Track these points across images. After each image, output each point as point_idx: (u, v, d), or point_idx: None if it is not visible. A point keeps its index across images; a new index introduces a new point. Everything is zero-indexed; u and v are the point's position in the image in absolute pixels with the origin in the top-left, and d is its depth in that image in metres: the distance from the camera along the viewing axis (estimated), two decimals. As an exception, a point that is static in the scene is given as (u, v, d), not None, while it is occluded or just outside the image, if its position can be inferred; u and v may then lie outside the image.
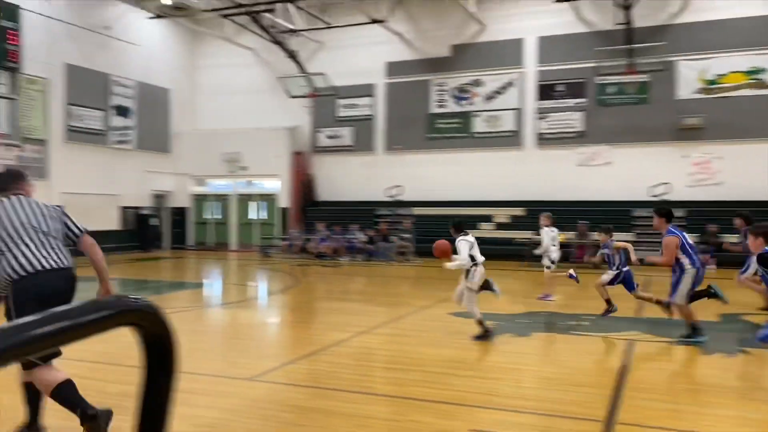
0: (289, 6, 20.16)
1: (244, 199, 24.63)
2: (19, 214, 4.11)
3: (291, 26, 21.31)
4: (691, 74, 19.08)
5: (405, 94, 22.38)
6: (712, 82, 18.95)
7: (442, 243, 7.78)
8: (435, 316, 9.30)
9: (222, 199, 24.97)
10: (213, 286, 15.06)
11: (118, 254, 20.72)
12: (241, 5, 19.37)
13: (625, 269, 8.39)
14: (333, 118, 23.39)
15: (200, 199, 25.22)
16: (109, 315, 0.85)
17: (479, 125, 21.53)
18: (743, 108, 18.52)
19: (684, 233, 7.58)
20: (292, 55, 21.15)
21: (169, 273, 18.03)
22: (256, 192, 24.52)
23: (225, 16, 20.78)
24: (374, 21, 20.63)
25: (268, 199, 24.24)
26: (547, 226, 11.10)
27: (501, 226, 20.11)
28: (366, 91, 22.92)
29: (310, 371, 6.31)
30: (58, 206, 4.40)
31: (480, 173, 21.11)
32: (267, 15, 19.85)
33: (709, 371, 6.50)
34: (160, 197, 24.11)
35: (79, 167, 20.51)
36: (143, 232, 22.85)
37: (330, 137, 23.62)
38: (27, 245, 4.02)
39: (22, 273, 3.95)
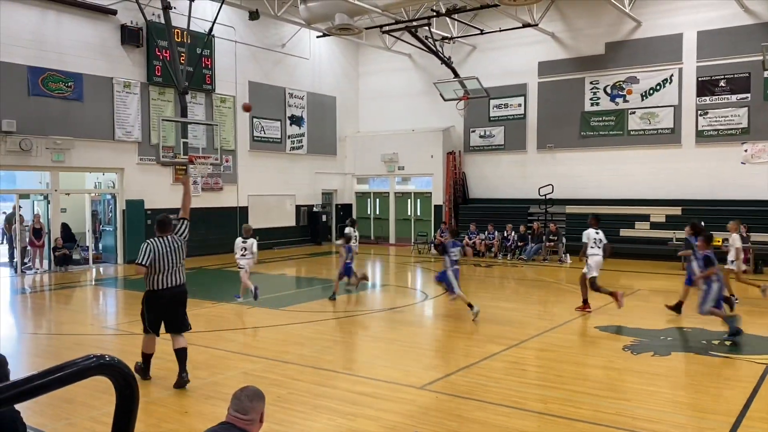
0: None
1: (401, 196, 26.17)
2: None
3: (445, 35, 22.23)
4: None
5: (557, 92, 22.36)
6: None
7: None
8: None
9: (381, 196, 26.73)
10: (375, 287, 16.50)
11: (295, 247, 23.48)
12: (399, 21, 20.64)
13: None
14: (486, 118, 24.00)
15: (362, 196, 27.19)
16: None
17: (634, 123, 21.08)
18: None
19: None
20: (445, 62, 22.06)
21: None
22: (412, 190, 25.95)
23: (385, 32, 22.17)
24: (526, 25, 20.86)
25: (422, 196, 25.56)
26: (736, 232, 11.82)
27: (655, 226, 19.91)
28: (518, 90, 23.24)
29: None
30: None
31: (635, 171, 20.92)
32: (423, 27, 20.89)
33: None
34: (328, 195, 26.42)
35: (261, 172, 23.22)
36: (314, 227, 25.31)
37: (482, 137, 24.31)
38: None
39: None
